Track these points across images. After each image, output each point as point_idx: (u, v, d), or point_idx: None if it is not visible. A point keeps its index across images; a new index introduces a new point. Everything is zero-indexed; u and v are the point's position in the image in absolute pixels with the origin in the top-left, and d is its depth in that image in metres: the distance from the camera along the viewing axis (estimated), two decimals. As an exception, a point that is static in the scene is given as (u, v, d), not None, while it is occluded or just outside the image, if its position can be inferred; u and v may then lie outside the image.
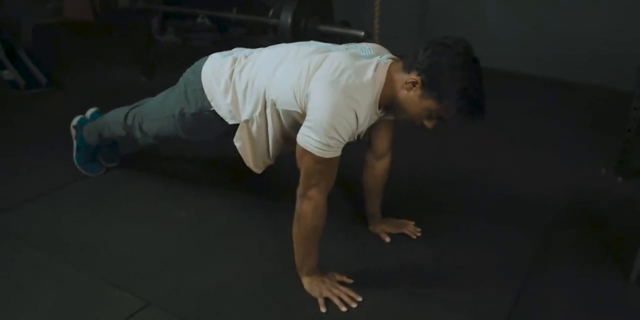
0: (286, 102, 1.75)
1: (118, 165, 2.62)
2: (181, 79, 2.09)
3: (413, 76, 1.64)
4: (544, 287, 1.90)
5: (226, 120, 1.93)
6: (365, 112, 1.66)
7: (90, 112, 2.57)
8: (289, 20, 2.79)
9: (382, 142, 2.01)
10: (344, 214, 2.26)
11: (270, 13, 4.20)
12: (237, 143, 1.94)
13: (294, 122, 1.80)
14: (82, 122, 2.53)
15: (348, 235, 2.14)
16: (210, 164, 2.74)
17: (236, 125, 1.93)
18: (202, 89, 1.95)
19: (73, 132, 2.54)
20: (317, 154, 1.65)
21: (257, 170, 2.03)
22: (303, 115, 1.72)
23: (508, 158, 2.84)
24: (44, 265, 1.94)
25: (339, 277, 1.87)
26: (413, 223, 2.19)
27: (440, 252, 2.08)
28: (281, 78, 1.76)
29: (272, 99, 1.79)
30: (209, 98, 1.94)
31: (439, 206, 2.38)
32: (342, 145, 1.68)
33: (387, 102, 1.72)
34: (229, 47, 4.19)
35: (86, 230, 2.16)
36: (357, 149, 1.90)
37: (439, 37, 1.65)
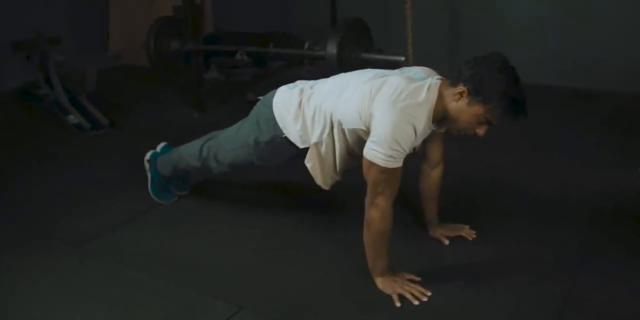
0: (352, 121, 1.99)
1: (188, 193, 2.84)
2: (252, 112, 2.34)
3: (460, 88, 1.88)
4: (592, 277, 2.10)
5: (297, 145, 2.17)
6: (422, 126, 1.89)
7: (160, 146, 2.81)
8: (335, 50, 3.03)
9: (435, 152, 2.25)
10: (406, 221, 2.46)
11: (306, 45, 4.49)
12: (308, 164, 2.17)
13: (358, 139, 2.04)
14: (154, 156, 2.77)
15: (411, 240, 2.35)
16: (274, 188, 2.97)
17: (306, 149, 2.16)
18: (274, 118, 2.19)
19: (147, 165, 2.77)
20: (382, 165, 1.88)
21: (326, 187, 2.25)
22: (367, 132, 1.96)
23: (543, 165, 3.08)
24: (142, 283, 2.15)
25: (408, 276, 2.07)
26: (468, 226, 2.39)
27: (494, 251, 2.29)
28: (346, 102, 2.01)
29: (338, 120, 2.03)
30: (280, 126, 2.18)
31: (486, 211, 2.60)
32: (403, 156, 1.90)
33: (440, 117, 1.95)
34: (269, 80, 4.51)
35: (172, 249, 2.39)
36: (411, 163, 2.11)
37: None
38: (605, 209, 2.57)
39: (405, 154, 1.91)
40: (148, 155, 2.79)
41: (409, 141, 1.88)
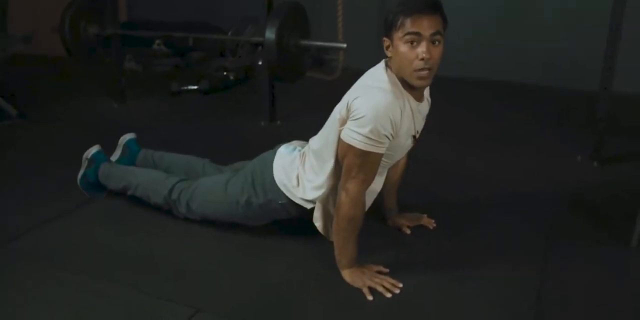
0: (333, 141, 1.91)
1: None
2: (247, 170, 2.18)
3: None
4: (562, 261, 2.08)
5: (305, 207, 2.04)
6: (402, 102, 1.81)
7: (93, 150, 2.50)
8: (274, 36, 2.89)
9: None
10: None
11: (229, 34, 4.33)
12: (317, 223, 2.04)
13: None
14: (99, 158, 2.49)
15: (371, 231, 2.21)
16: None
17: (303, 211, 2.06)
18: (273, 182, 2.06)
19: (84, 162, 2.49)
20: (359, 147, 1.77)
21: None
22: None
23: (495, 156, 3.08)
24: (83, 285, 1.92)
25: (375, 268, 1.96)
26: (426, 215, 2.32)
27: (459, 240, 2.23)
28: (323, 131, 1.98)
29: (326, 153, 1.94)
30: (283, 190, 2.04)
31: (444, 202, 2.54)
32: (385, 141, 1.79)
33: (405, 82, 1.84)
34: (191, 71, 4.29)
35: (112, 247, 2.16)
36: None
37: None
38: (563, 196, 2.59)
39: (389, 139, 1.80)
40: (90, 154, 2.49)
41: (390, 122, 1.76)
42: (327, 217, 2.03)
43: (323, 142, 1.96)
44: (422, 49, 1.73)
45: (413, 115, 1.88)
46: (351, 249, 1.92)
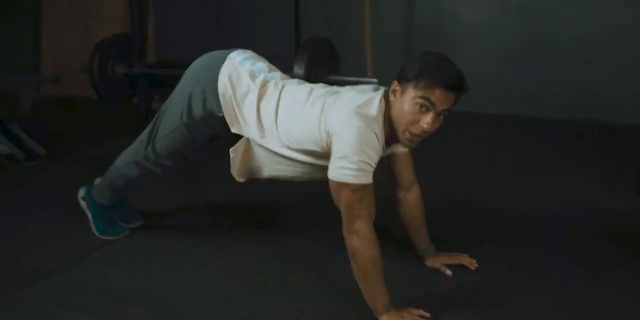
0: (303, 143, 1.86)
1: (141, 225, 2.53)
2: (183, 81, 2.12)
3: (393, 85, 1.78)
4: (603, 294, 1.98)
5: (230, 127, 1.98)
6: (380, 136, 1.75)
7: (97, 181, 2.48)
8: (302, 71, 2.85)
9: (406, 175, 2.09)
10: (389, 253, 2.22)
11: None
12: (232, 153, 2.00)
13: (306, 159, 1.90)
14: (88, 191, 2.46)
15: (407, 274, 2.12)
16: (229, 211, 2.74)
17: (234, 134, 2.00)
18: (215, 93, 1.98)
19: (82, 203, 2.46)
20: (353, 182, 1.70)
21: (239, 178, 2.08)
22: (324, 153, 1.82)
23: (533, 189, 2.97)
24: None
25: (416, 311, 1.83)
26: (466, 255, 2.18)
27: (496, 275, 2.10)
28: (298, 121, 1.86)
29: (287, 139, 1.89)
30: (222, 102, 1.97)
31: (480, 236, 2.42)
32: (372, 170, 1.73)
33: (388, 128, 1.80)
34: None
35: (135, 289, 2.06)
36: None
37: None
38: (604, 229, 2.48)
39: (373, 167, 1.73)
40: (82, 192, 2.47)
41: (375, 151, 1.72)
42: (246, 153, 1.99)
43: (298, 139, 1.87)
44: (428, 119, 1.72)
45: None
46: (383, 292, 1.79)
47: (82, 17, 5.09)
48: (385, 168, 2.05)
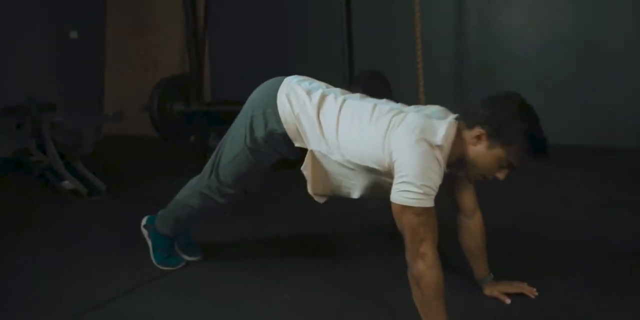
0: (364, 160, 1.85)
1: (199, 259, 2.54)
2: (243, 109, 2.14)
3: (477, 130, 1.76)
4: None
5: (294, 142, 2.00)
6: (442, 163, 1.74)
7: (160, 212, 2.52)
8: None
9: (468, 199, 2.06)
10: (456, 284, 2.16)
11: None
12: (305, 171, 2.00)
13: (368, 175, 1.90)
14: (150, 220, 2.51)
15: (465, 301, 2.07)
16: (287, 242, 2.74)
17: (301, 151, 2.00)
18: (275, 111, 2.00)
19: (145, 232, 2.51)
20: (417, 206, 1.69)
21: (318, 199, 2.06)
22: (385, 173, 1.82)
23: (578, 212, 2.96)
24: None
25: (476, 338, 1.79)
26: (526, 283, 2.12)
27: (560, 305, 2.03)
28: (360, 138, 1.86)
29: (349, 155, 1.88)
30: (282, 120, 1.99)
31: (530, 261, 2.39)
32: (434, 194, 1.72)
33: (454, 160, 1.81)
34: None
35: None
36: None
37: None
38: None
39: (435, 191, 1.72)
40: (144, 221, 2.53)
41: (437, 175, 1.72)
42: (315, 167, 1.98)
43: (359, 156, 1.87)
44: (502, 175, 1.81)
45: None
46: (444, 318, 1.74)
47: (142, 61, 5.31)
48: (447, 191, 2.03)
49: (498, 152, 1.76)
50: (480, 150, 1.78)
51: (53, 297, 2.26)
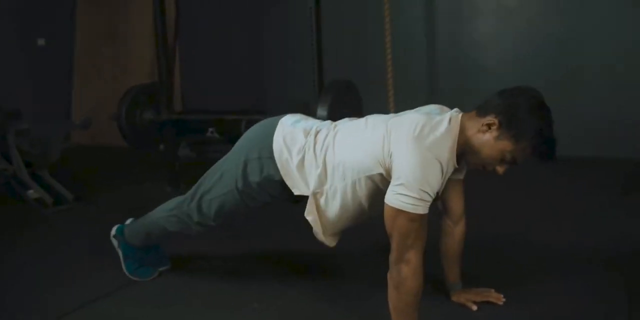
0: (367, 166, 1.79)
1: (170, 268, 2.52)
2: (237, 147, 2.10)
3: (490, 118, 1.72)
4: None
5: (292, 190, 1.94)
6: (445, 162, 1.70)
7: (129, 221, 2.51)
8: (326, 113, 2.89)
9: (457, 204, 2.04)
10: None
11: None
12: (309, 217, 1.93)
13: (374, 190, 1.81)
14: (120, 229, 2.47)
15: (433, 306, 2.06)
16: (262, 257, 2.69)
17: (299, 196, 1.94)
18: (271, 157, 1.95)
19: (114, 242, 2.46)
20: (411, 211, 1.66)
21: (330, 243, 2.01)
22: (385, 178, 1.76)
23: (560, 225, 2.94)
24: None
25: (443, 346, 1.79)
26: (493, 290, 2.13)
27: (530, 311, 2.04)
28: (360, 144, 1.82)
29: (352, 170, 1.81)
30: (279, 166, 1.94)
31: (511, 272, 2.38)
32: (431, 200, 1.69)
33: (461, 150, 1.77)
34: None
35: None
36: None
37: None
38: (629, 261, 2.44)
39: (433, 198, 1.69)
40: (114, 231, 2.48)
41: (437, 181, 1.68)
42: (318, 213, 1.91)
43: (362, 161, 1.80)
44: (502, 170, 1.78)
45: (446, 177, 1.76)
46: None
47: (112, 69, 5.27)
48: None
49: (505, 144, 1.72)
50: (487, 139, 1.73)
51: (15, 306, 2.23)
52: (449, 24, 4.69)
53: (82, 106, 5.26)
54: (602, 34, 4.24)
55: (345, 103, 3.06)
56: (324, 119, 2.93)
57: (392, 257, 1.72)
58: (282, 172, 1.94)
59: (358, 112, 3.13)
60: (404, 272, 1.69)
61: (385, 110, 3.80)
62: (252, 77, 5.28)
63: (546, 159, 1.73)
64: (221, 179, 2.08)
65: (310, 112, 3.18)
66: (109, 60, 5.30)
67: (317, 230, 1.96)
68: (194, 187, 2.21)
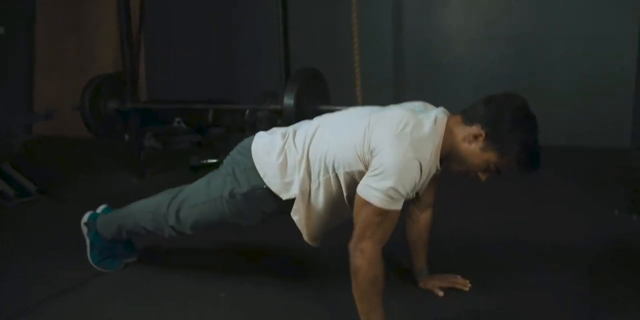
0: (348, 161, 1.77)
1: (137, 260, 2.48)
2: (225, 162, 2.07)
3: (476, 129, 1.72)
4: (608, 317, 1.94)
5: (280, 196, 1.91)
6: (427, 163, 1.69)
7: (101, 208, 2.48)
8: (292, 102, 2.88)
9: (428, 193, 2.04)
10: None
11: (247, 112, 4.33)
12: (295, 216, 1.91)
13: (355, 185, 1.78)
14: (93, 217, 2.42)
15: (400, 293, 2.09)
16: (232, 251, 2.67)
17: (289, 203, 1.91)
18: (253, 167, 1.93)
19: (84, 229, 2.41)
20: (378, 205, 1.66)
21: (314, 243, 2.00)
22: (365, 173, 1.73)
23: (529, 215, 2.96)
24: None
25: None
26: (459, 276, 2.16)
27: (497, 300, 2.06)
28: (341, 138, 1.80)
29: (332, 162, 1.80)
30: (261, 174, 1.91)
31: (477, 262, 2.39)
32: (403, 199, 1.69)
33: (445, 155, 1.77)
34: (210, 147, 4.30)
35: None
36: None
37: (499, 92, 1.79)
38: (603, 251, 2.47)
39: (406, 196, 1.69)
40: (85, 217, 2.43)
41: (412, 180, 1.67)
42: (305, 213, 1.89)
43: (342, 156, 1.78)
44: (484, 177, 1.81)
45: (427, 178, 1.76)
46: (379, 313, 1.75)
47: (76, 57, 5.17)
48: None
49: (490, 156, 1.73)
50: (473, 149, 1.74)
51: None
52: (417, 13, 4.70)
53: (49, 97, 5.15)
54: (571, 25, 4.29)
55: (312, 92, 3.05)
56: (290, 108, 2.93)
57: (351, 244, 1.72)
58: (265, 180, 1.91)
59: (325, 100, 3.12)
60: (359, 261, 1.70)
61: (352, 99, 3.83)
62: (221, 66, 5.23)
63: (530, 171, 1.76)
64: (209, 185, 2.06)
65: (278, 101, 3.18)
66: (75, 50, 5.19)
67: (302, 230, 1.94)
68: (175, 189, 2.18)
